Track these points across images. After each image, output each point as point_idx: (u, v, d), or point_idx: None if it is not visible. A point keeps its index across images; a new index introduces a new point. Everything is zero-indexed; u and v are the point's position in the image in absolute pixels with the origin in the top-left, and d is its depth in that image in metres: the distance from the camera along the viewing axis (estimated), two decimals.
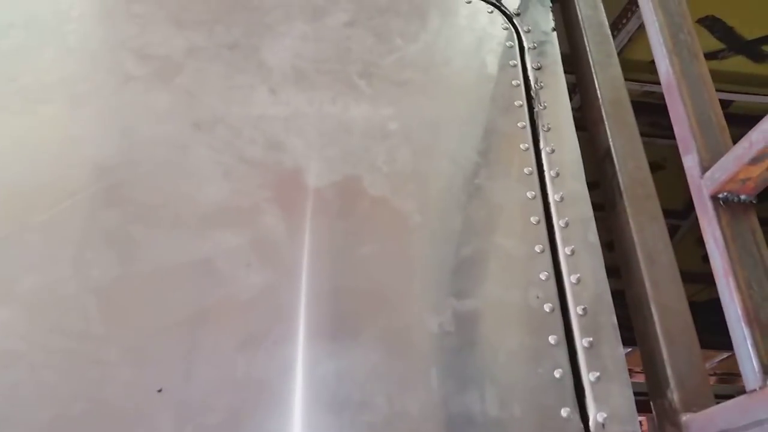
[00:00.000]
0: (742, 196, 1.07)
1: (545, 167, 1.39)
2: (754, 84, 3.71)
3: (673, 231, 4.79)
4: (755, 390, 0.95)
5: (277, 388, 1.06)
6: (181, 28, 1.43)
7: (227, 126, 1.33)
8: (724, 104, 3.84)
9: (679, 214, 4.36)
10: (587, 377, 1.14)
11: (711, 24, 3.34)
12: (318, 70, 1.45)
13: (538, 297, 1.21)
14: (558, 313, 1.20)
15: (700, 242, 1.11)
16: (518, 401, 1.09)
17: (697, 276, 3.77)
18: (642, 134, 1.58)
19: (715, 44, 3.49)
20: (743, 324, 0.98)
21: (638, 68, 3.35)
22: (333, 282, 1.17)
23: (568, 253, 1.27)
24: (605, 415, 1.09)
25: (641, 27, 3.09)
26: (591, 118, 1.55)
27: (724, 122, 1.18)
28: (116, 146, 1.27)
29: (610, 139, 1.45)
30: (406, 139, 1.37)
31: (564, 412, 1.09)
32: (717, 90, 3.84)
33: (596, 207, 1.33)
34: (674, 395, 1.16)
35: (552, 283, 1.23)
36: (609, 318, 1.19)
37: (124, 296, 1.11)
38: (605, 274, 1.24)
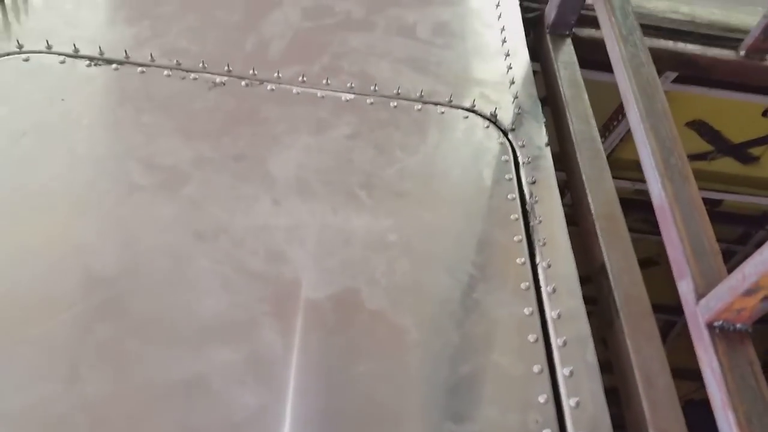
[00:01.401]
0: (738, 325, 1.08)
1: (542, 283, 1.40)
2: (742, 184, 3.81)
3: (668, 327, 4.76)
4: None
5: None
6: (189, 139, 1.48)
7: (229, 236, 1.35)
8: (714, 203, 3.92)
9: (675, 310, 4.34)
10: None
11: (699, 128, 3.47)
12: (321, 180, 1.48)
13: (537, 421, 1.19)
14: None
15: None
16: None
17: (694, 373, 3.71)
18: (634, 230, 1.60)
19: (704, 146, 3.61)
20: None
21: (629, 167, 3.45)
22: (323, 403, 1.16)
23: (567, 374, 1.26)
24: None
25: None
26: (585, 229, 1.58)
27: (717, 247, 1.20)
28: (117, 256, 1.29)
29: (604, 255, 1.48)
30: (405, 251, 1.39)
31: None
32: (706, 189, 3.95)
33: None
34: None
35: (551, 407, 1.22)
36: None
37: (115, 414, 1.09)
38: (604, 397, 1.23)
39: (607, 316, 1.43)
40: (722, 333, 1.08)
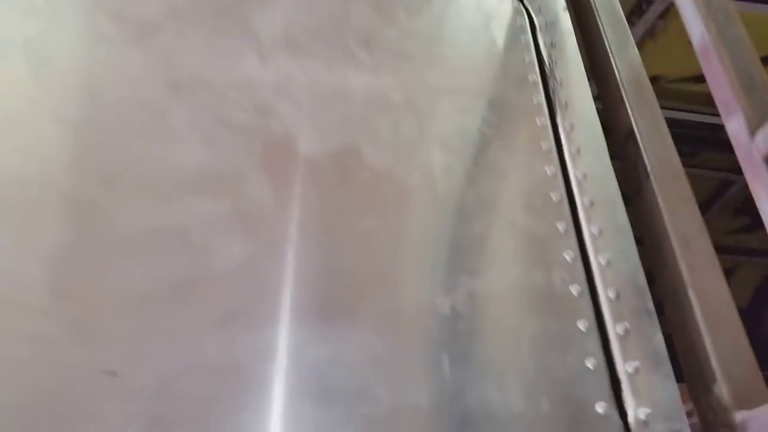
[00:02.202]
0: None
1: (564, 144, 1.25)
2: None
3: None
4: None
5: (256, 375, 0.88)
6: None
7: (209, 89, 1.18)
8: (715, 128, 3.78)
9: None
10: (624, 368, 0.97)
11: None
12: (313, 38, 1.31)
13: (563, 279, 1.05)
14: (587, 296, 1.04)
15: None
16: (546, 394, 0.92)
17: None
18: None
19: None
20: None
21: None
22: (327, 258, 1.01)
23: (595, 233, 1.12)
24: (648, 411, 0.92)
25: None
26: (609, 101, 1.42)
27: None
28: (80, 107, 1.12)
29: (632, 120, 1.32)
30: (410, 110, 1.23)
31: (600, 408, 0.92)
32: (707, 113, 3.78)
33: None
34: (723, 391, 0.99)
35: (579, 265, 1.08)
36: (644, 303, 1.03)
37: (76, 266, 0.94)
38: (638, 256, 1.09)
39: (635, 182, 1.28)
40: None
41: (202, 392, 0.86)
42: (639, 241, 1.22)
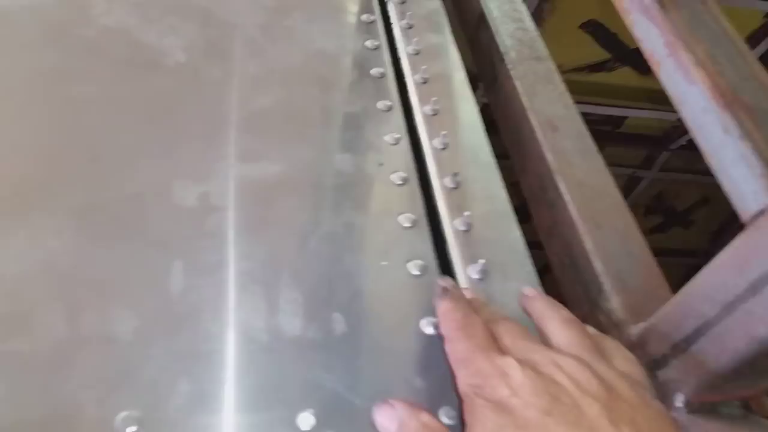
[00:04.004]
0: None
1: (393, 17, 0.95)
2: (642, 99, 3.55)
3: None
4: (761, 213, 0.49)
5: None
6: None
7: None
8: (617, 122, 3.66)
9: None
10: (465, 272, 0.64)
11: (594, 30, 3.16)
12: None
13: (380, 164, 0.73)
14: (415, 185, 0.72)
15: None
16: (341, 309, 0.57)
17: None
18: None
19: (601, 54, 3.30)
20: (719, 110, 0.54)
21: None
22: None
23: (429, 111, 0.80)
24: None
25: None
26: None
27: None
28: None
29: (483, 1, 1.05)
30: None
31: (427, 325, 0.59)
32: (607, 105, 3.61)
33: None
34: (613, 301, 0.69)
35: (405, 148, 0.76)
36: (496, 189, 0.72)
37: None
38: (485, 132, 0.79)
39: (487, 71, 1.00)
40: None
41: None
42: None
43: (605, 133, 3.62)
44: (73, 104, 0.66)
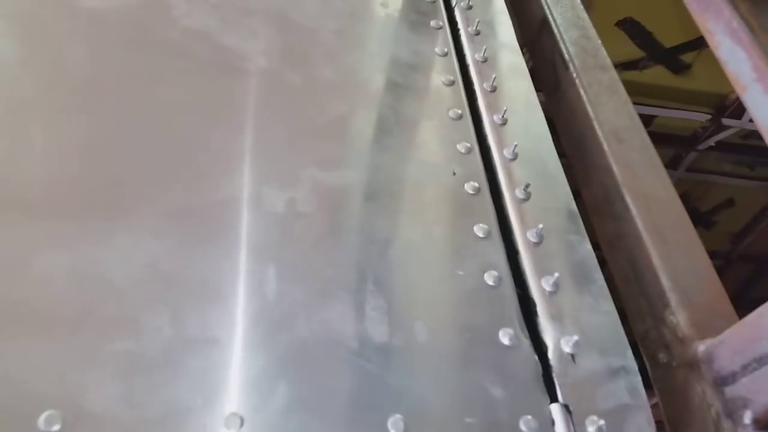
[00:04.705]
0: None
1: (461, 23, 0.96)
2: (674, 98, 3.52)
3: None
4: None
5: None
6: None
7: None
8: (647, 120, 3.63)
9: None
10: (539, 285, 0.66)
11: (630, 28, 3.13)
12: None
13: (455, 173, 0.74)
14: (486, 194, 0.73)
15: None
16: (423, 319, 0.60)
17: None
18: None
19: (635, 52, 3.27)
20: None
21: None
22: (93, 130, 0.66)
23: (498, 121, 0.82)
24: (575, 340, 0.61)
25: None
26: None
27: None
28: None
29: (546, 7, 1.05)
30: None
31: (504, 336, 0.61)
32: (638, 104, 3.57)
33: None
34: (679, 316, 0.70)
35: (476, 158, 0.77)
36: (564, 201, 0.74)
37: None
38: (552, 144, 0.80)
39: (552, 76, 1.00)
40: None
41: None
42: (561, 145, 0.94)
43: None
44: (163, 107, 0.69)
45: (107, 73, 0.70)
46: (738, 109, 3.40)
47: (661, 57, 3.24)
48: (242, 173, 0.65)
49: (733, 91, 3.47)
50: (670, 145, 3.84)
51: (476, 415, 0.54)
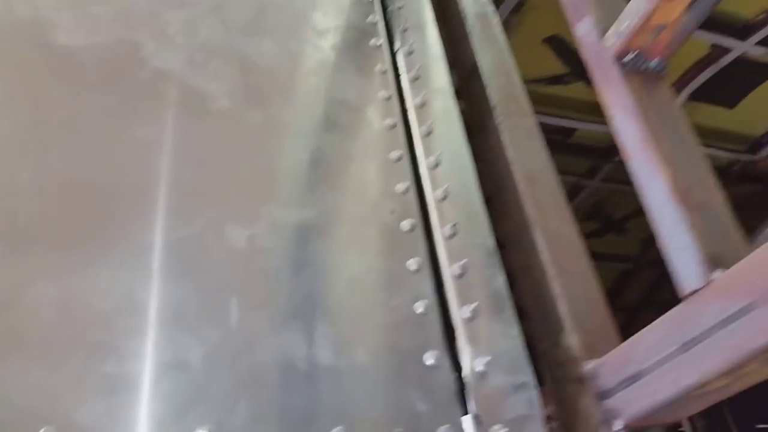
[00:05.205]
0: (654, 62, 0.81)
1: (402, 68, 1.07)
2: (593, 112, 3.78)
3: None
4: (698, 290, 0.66)
5: None
6: None
7: None
8: (567, 133, 3.87)
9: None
10: (459, 312, 0.79)
11: (557, 45, 3.34)
12: None
13: (393, 212, 0.86)
14: (420, 231, 0.85)
15: None
16: (362, 343, 0.71)
17: None
18: None
19: (560, 67, 3.50)
20: (674, 203, 0.70)
21: None
22: (70, 167, 0.73)
23: (432, 163, 0.94)
24: (486, 360, 0.74)
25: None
26: (454, 35, 1.27)
27: None
28: None
29: (475, 54, 1.18)
30: (214, 10, 0.99)
31: (429, 358, 0.73)
32: (560, 116, 3.79)
33: None
34: (572, 337, 0.85)
35: (412, 197, 0.89)
36: (485, 238, 0.87)
37: None
38: (478, 186, 0.93)
39: (478, 119, 1.13)
40: (635, 70, 0.81)
41: None
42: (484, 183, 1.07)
43: (554, 142, 3.83)
44: (135, 146, 0.76)
45: (83, 112, 0.77)
46: None
47: (583, 73, 3.47)
48: (209, 211, 0.74)
49: None
50: (589, 156, 4.12)
51: (403, 425, 0.66)
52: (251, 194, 0.78)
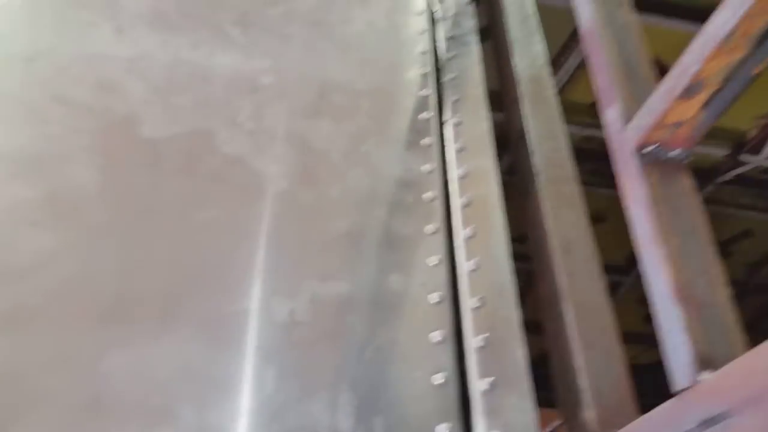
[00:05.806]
0: (674, 152, 0.84)
1: (449, 139, 1.15)
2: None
3: (614, 288, 4.60)
4: (686, 389, 0.69)
5: (40, 388, 0.75)
6: None
7: (50, 61, 1.05)
8: None
9: (621, 270, 4.15)
10: (477, 385, 0.86)
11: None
12: (181, 12, 1.19)
13: (423, 285, 0.94)
14: (447, 304, 0.93)
15: (643, 301, 0.90)
16: (381, 413, 0.80)
17: (639, 337, 3.58)
18: (582, 183, 1.30)
19: None
20: (673, 301, 0.74)
21: (578, 110, 3.22)
22: (148, 248, 0.88)
23: (468, 234, 1.01)
24: None
25: (581, 65, 2.94)
26: (507, 100, 1.34)
27: (651, 74, 0.97)
28: None
29: (524, 119, 1.23)
30: (280, 96, 1.12)
31: (444, 429, 0.81)
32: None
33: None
34: (590, 412, 0.89)
35: (443, 270, 0.97)
36: (511, 312, 0.93)
37: None
38: (510, 260, 0.99)
39: (523, 184, 1.19)
40: (655, 161, 0.84)
41: None
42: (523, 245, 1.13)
43: None
44: (202, 228, 0.90)
45: (162, 198, 0.92)
46: (757, 145, 3.51)
47: None
48: (259, 287, 0.87)
49: (752, 127, 3.58)
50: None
51: None
52: (295, 269, 0.90)
